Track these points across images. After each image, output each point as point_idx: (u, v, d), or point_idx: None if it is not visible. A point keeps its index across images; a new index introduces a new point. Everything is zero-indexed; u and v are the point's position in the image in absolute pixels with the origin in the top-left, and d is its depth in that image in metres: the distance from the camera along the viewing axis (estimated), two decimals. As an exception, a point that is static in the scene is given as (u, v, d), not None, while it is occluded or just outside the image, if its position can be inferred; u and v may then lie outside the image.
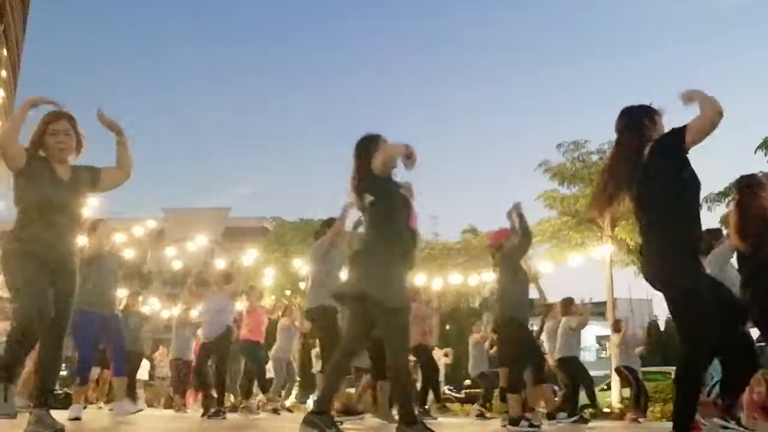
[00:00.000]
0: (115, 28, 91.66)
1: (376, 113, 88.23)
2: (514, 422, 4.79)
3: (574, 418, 6.83)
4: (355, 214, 4.92)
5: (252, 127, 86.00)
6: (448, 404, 14.51)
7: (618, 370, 9.04)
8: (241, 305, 8.17)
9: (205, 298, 7.16)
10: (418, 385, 7.98)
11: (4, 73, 23.78)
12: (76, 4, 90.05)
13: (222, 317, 6.86)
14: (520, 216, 5.05)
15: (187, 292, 7.79)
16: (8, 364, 3.12)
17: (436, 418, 7.14)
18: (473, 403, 10.94)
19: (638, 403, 8.65)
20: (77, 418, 4.81)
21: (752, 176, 4.18)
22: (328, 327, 4.94)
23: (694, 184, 2.93)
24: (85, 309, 5.03)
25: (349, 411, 5.32)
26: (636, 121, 3.08)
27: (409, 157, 3.21)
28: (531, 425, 4.76)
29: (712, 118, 2.78)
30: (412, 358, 11.59)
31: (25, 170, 3.08)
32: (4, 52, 23.99)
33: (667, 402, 9.92)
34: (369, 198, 3.32)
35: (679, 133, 2.87)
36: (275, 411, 8.10)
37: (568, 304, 7.67)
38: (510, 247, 5.07)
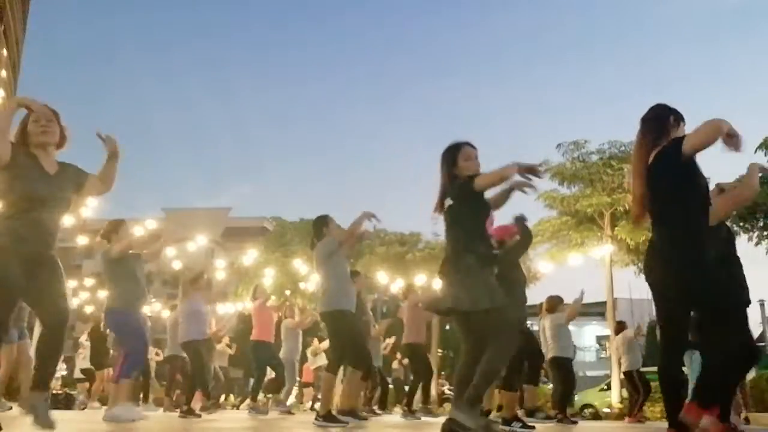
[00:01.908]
0: (115, 27, 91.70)
1: (375, 113, 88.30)
2: (507, 422, 4.80)
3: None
4: (370, 224, 4.93)
5: (252, 127, 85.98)
6: (447, 404, 14.56)
7: (629, 375, 8.92)
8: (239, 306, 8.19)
9: (186, 299, 7.07)
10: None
11: (4, 73, 23.75)
12: (77, 4, 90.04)
13: (203, 320, 6.87)
14: (523, 226, 5.12)
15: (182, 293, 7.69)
16: None
17: (419, 418, 7.19)
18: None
19: (640, 404, 8.66)
20: (141, 418, 4.82)
21: None
22: (342, 331, 4.87)
23: (696, 188, 2.97)
24: (129, 309, 5.03)
25: (352, 412, 5.30)
26: (661, 115, 3.15)
27: (531, 172, 3.24)
28: (524, 426, 4.75)
29: (707, 132, 2.84)
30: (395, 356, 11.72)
31: (11, 164, 3.07)
32: (4, 52, 23.96)
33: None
34: (448, 201, 3.40)
35: (679, 141, 2.95)
36: (289, 412, 8.16)
37: (553, 302, 7.58)
38: (512, 246, 5.09)
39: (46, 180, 3.15)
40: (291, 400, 10.87)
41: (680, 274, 2.86)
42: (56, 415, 3.19)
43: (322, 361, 12.26)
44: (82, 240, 12.37)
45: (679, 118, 3.15)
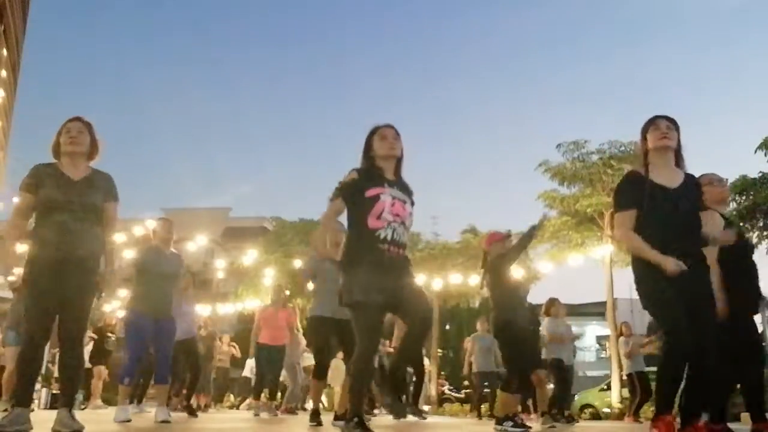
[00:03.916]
0: (115, 28, 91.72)
1: (376, 113, 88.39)
2: (499, 421, 4.87)
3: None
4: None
5: (252, 127, 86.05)
6: (447, 404, 14.57)
7: (630, 377, 9.07)
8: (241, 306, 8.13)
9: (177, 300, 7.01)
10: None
11: (4, 73, 23.77)
12: (77, 4, 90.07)
13: (193, 321, 6.79)
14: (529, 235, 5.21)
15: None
16: (22, 388, 3.15)
17: (425, 418, 7.19)
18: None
19: (636, 405, 8.80)
20: (127, 420, 4.73)
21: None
22: (313, 337, 5.20)
23: (650, 205, 3.13)
24: (137, 311, 4.97)
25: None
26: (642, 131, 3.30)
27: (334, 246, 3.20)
28: (515, 425, 4.79)
29: None
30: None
31: (36, 186, 3.24)
32: (4, 52, 23.97)
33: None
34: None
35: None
36: (293, 412, 8.17)
37: (548, 305, 7.67)
38: (496, 254, 5.13)
39: (67, 186, 3.23)
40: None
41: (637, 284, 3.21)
42: (56, 415, 3.21)
43: (309, 361, 12.28)
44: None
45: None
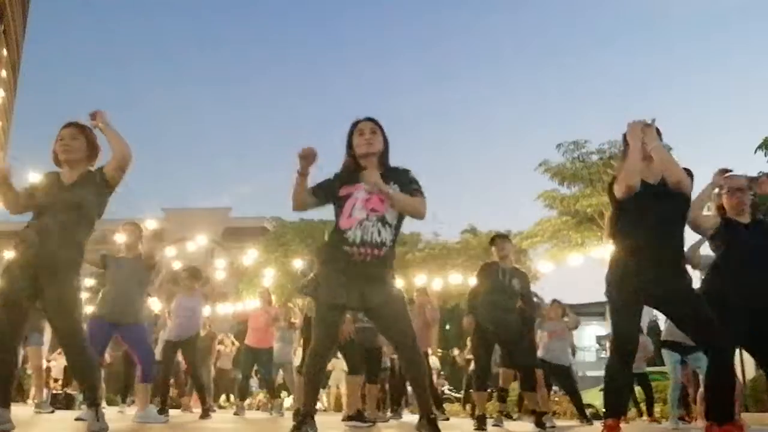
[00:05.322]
0: (115, 28, 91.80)
1: (376, 112, 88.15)
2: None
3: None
4: None
5: (253, 127, 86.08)
6: (447, 404, 14.52)
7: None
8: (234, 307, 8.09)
9: (176, 297, 6.75)
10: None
11: (4, 73, 23.79)
12: (76, 4, 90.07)
13: (194, 318, 6.63)
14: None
15: (158, 287, 6.86)
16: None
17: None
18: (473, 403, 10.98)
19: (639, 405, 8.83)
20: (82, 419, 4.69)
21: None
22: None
23: (630, 212, 3.19)
24: (96, 314, 4.83)
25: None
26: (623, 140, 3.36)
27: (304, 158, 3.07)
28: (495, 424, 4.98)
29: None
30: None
31: (33, 192, 3.25)
32: (4, 52, 23.98)
33: (667, 402, 9.98)
34: None
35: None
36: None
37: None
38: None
39: (55, 189, 3.21)
40: (290, 401, 10.85)
41: None
42: (56, 415, 3.21)
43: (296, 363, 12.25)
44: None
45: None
